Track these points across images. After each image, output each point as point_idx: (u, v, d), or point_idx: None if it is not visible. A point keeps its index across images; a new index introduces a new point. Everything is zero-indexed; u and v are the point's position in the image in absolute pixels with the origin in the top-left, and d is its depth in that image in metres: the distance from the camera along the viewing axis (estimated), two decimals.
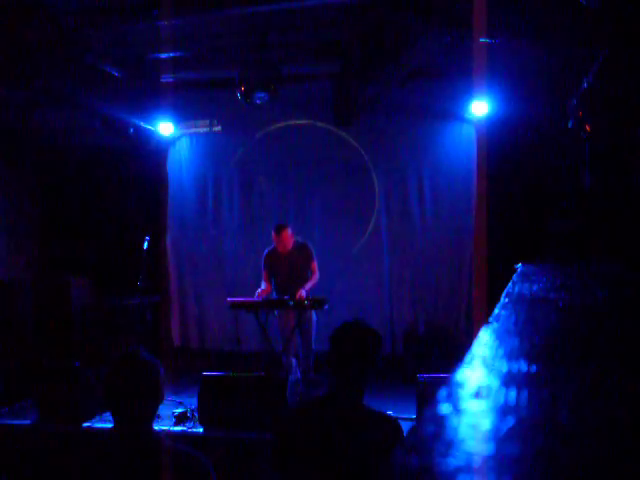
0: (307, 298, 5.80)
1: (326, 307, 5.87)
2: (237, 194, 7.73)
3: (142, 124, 7.25)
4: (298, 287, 5.92)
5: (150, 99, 7.10)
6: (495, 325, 0.91)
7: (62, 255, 7.95)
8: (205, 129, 7.69)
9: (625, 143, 4.72)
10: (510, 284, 1.40)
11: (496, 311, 1.02)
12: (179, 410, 5.30)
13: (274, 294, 6.13)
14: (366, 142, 7.42)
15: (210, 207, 7.81)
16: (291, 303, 5.77)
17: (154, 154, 7.77)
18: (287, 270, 6.07)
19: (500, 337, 0.83)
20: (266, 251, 6.22)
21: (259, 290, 6.01)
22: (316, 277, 6.13)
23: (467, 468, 0.43)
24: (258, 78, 5.99)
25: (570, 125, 5.60)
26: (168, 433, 4.82)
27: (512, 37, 4.95)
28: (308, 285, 6.00)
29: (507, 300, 1.16)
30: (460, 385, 0.60)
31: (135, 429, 2.07)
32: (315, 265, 6.15)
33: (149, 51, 6.24)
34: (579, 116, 5.38)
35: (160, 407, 2.19)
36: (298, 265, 6.08)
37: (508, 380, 0.62)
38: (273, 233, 6.08)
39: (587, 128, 5.26)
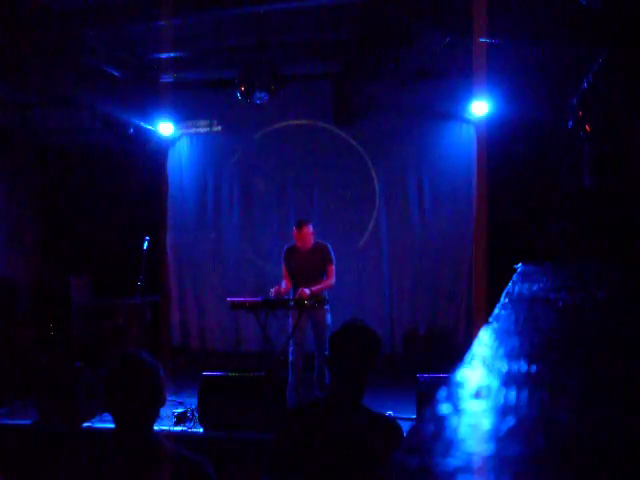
0: (307, 297, 5.60)
1: (327, 307, 5.81)
2: (237, 194, 7.73)
3: (142, 124, 7.24)
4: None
5: (150, 99, 7.10)
6: (495, 325, 0.91)
7: (62, 255, 7.95)
8: (205, 129, 7.70)
9: (625, 143, 4.72)
10: (510, 284, 1.40)
11: (496, 311, 1.02)
12: (179, 410, 5.30)
13: (292, 293, 5.86)
14: (366, 142, 7.42)
15: (210, 207, 7.81)
16: (292, 304, 5.70)
17: (154, 154, 7.77)
18: (304, 269, 5.82)
19: (500, 337, 0.83)
20: (286, 247, 5.99)
21: (275, 288, 5.76)
22: (330, 282, 5.83)
23: (467, 468, 0.43)
24: (258, 78, 5.98)
25: (570, 125, 5.60)
26: (168, 433, 4.82)
27: (512, 37, 4.95)
28: (317, 287, 5.72)
29: (507, 300, 1.16)
30: (460, 385, 0.60)
31: (135, 432, 2.05)
32: (332, 269, 5.84)
33: (149, 51, 6.25)
34: (579, 116, 5.39)
35: None
36: (315, 265, 5.84)
37: (508, 380, 0.62)
38: (294, 228, 5.85)
39: (587, 128, 5.26)
